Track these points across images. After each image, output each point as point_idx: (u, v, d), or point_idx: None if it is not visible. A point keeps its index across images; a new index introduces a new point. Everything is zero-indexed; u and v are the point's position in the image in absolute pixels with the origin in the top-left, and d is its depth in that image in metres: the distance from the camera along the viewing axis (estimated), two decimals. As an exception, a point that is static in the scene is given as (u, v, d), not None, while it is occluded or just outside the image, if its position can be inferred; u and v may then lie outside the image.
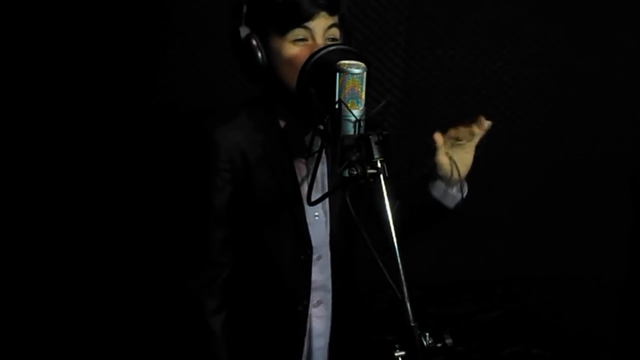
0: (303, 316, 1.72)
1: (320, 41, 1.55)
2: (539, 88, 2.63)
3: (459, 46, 2.57)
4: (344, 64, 1.40)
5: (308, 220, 1.68)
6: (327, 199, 1.69)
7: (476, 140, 1.63)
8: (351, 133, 1.38)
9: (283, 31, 1.55)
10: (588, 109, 2.67)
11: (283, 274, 1.69)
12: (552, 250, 2.73)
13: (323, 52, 1.48)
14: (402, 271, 1.31)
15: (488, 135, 2.63)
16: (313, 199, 1.45)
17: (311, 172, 1.60)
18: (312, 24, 1.55)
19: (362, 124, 1.39)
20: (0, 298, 2.45)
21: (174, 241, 1.79)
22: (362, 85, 1.40)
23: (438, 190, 1.68)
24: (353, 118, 1.38)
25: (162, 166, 2.39)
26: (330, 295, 1.76)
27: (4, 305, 2.46)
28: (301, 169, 1.67)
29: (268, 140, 1.64)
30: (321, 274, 1.73)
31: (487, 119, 1.61)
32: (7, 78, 2.36)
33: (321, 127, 1.43)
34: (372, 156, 1.34)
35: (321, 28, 1.55)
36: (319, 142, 1.45)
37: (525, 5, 2.56)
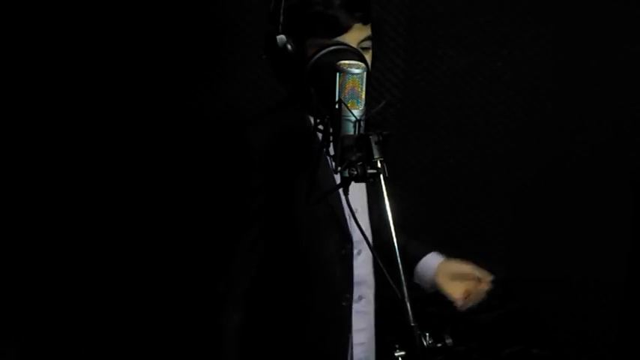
0: (347, 312, 1.72)
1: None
2: (539, 88, 2.63)
3: (459, 46, 2.57)
4: (344, 64, 1.40)
5: (348, 214, 1.68)
6: (365, 194, 1.70)
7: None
8: (351, 133, 1.38)
9: (320, 42, 1.55)
10: (588, 109, 2.66)
11: (325, 270, 1.69)
12: (552, 250, 2.73)
13: (323, 52, 1.48)
14: (402, 271, 1.31)
15: (489, 135, 2.65)
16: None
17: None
18: (346, 36, 1.56)
19: (362, 124, 1.39)
20: (3, 298, 2.46)
21: (203, 244, 1.79)
22: (362, 85, 1.40)
23: (421, 280, 1.77)
24: (353, 118, 1.38)
25: (192, 169, 2.40)
26: (371, 291, 1.77)
27: (8, 305, 2.47)
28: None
29: (299, 140, 1.66)
30: (362, 268, 1.73)
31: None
32: (15, 79, 2.36)
33: (321, 127, 1.43)
34: (372, 156, 1.34)
35: (355, 40, 1.57)
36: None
37: (525, 5, 2.56)
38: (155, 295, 2.50)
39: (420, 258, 1.81)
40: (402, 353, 1.29)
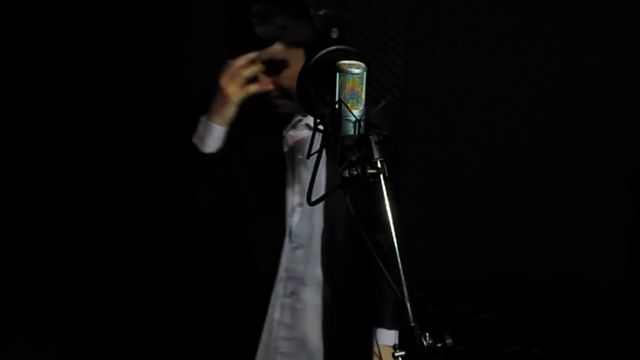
0: (261, 300, 1.73)
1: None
2: (539, 88, 2.63)
3: (459, 46, 2.57)
4: (344, 64, 1.40)
5: (291, 208, 1.71)
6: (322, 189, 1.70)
7: None
8: (351, 133, 1.38)
9: None
10: (588, 109, 2.67)
11: (253, 255, 1.72)
12: (552, 250, 2.73)
13: (323, 52, 1.48)
14: (402, 271, 1.31)
15: (489, 135, 2.64)
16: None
17: (295, 160, 1.69)
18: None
19: (362, 124, 1.39)
20: (4, 297, 2.46)
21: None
22: (362, 85, 1.40)
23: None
24: (353, 118, 1.38)
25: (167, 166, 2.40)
26: (307, 289, 1.75)
27: (5, 305, 2.47)
28: (286, 156, 1.71)
29: (258, 127, 1.69)
30: (299, 264, 1.74)
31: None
32: (10, 80, 2.36)
33: (321, 127, 1.43)
34: (372, 156, 1.34)
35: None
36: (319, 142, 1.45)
37: (525, 5, 2.56)
38: (153, 293, 2.49)
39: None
40: (402, 353, 1.29)
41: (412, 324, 1.28)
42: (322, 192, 1.64)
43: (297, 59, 1.57)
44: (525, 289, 2.72)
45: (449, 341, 1.29)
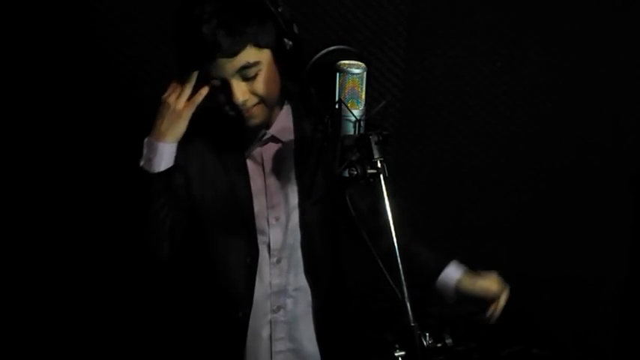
0: (242, 324, 1.70)
1: (234, 86, 1.52)
2: (539, 88, 2.63)
3: (459, 46, 2.57)
4: (344, 64, 1.40)
5: (267, 221, 1.68)
6: (297, 193, 1.69)
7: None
8: (351, 133, 1.38)
9: (201, 76, 1.53)
10: (588, 110, 2.67)
11: (227, 278, 1.69)
12: (552, 250, 2.73)
13: (323, 52, 1.48)
14: (402, 271, 1.31)
15: (489, 135, 2.64)
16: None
17: (268, 178, 1.66)
18: (215, 72, 1.51)
19: (362, 124, 1.39)
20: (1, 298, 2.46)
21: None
22: (362, 85, 1.40)
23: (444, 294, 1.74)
24: (353, 118, 1.38)
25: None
26: (292, 301, 1.73)
27: (4, 305, 2.47)
28: (256, 175, 1.68)
29: (223, 146, 1.66)
30: (280, 278, 1.71)
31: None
32: (10, 80, 2.36)
33: (321, 127, 1.43)
34: (372, 156, 1.34)
35: (228, 74, 1.51)
36: (319, 142, 1.45)
37: (525, 6, 2.56)
38: (132, 292, 2.49)
39: (437, 270, 1.76)
40: (402, 353, 1.29)
41: (412, 324, 1.28)
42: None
43: (267, 61, 1.53)
44: (525, 289, 2.72)
45: (449, 341, 1.29)
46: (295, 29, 1.55)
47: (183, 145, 1.59)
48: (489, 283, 1.69)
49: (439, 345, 1.29)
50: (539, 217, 2.72)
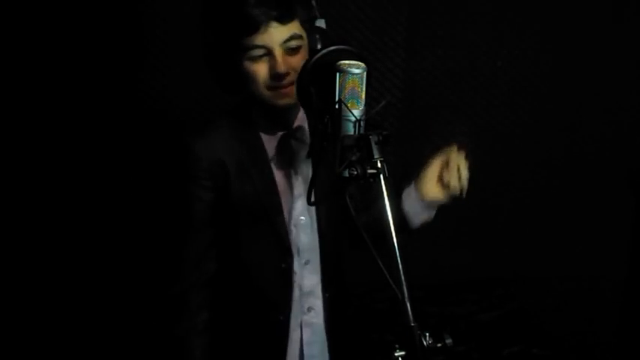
0: (284, 326, 1.71)
1: (278, 56, 1.54)
2: (539, 88, 2.63)
3: (459, 46, 2.57)
4: (344, 64, 1.39)
5: (293, 224, 1.68)
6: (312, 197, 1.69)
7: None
8: (351, 133, 1.38)
9: (242, 49, 1.55)
10: (588, 110, 2.67)
11: (263, 283, 1.69)
12: (552, 250, 2.73)
13: (323, 52, 1.48)
14: (402, 271, 1.31)
15: (489, 135, 2.64)
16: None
17: (293, 179, 1.66)
18: (265, 36, 1.53)
19: (362, 124, 1.38)
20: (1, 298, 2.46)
21: (159, 248, 1.80)
22: (362, 85, 1.40)
23: (411, 205, 1.68)
24: (353, 118, 1.38)
25: (154, 170, 2.40)
26: (320, 302, 1.73)
27: (4, 305, 2.47)
28: (281, 176, 1.68)
29: (247, 149, 1.66)
30: (310, 279, 1.72)
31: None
32: (11, 80, 2.36)
33: (321, 127, 1.43)
34: (372, 156, 1.34)
35: (276, 42, 1.54)
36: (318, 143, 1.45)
37: (525, 5, 2.56)
38: (129, 294, 2.49)
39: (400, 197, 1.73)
40: (402, 353, 1.29)
41: (412, 324, 1.28)
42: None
43: (305, 42, 1.57)
44: (525, 289, 2.72)
45: (449, 341, 1.29)
46: (322, 23, 1.57)
47: (211, 153, 1.62)
48: (437, 163, 1.64)
49: (439, 345, 1.29)
50: (539, 217, 2.72)
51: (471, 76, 2.60)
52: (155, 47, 2.39)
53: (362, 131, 1.38)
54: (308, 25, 1.57)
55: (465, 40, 2.57)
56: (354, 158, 1.35)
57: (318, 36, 1.54)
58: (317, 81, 1.45)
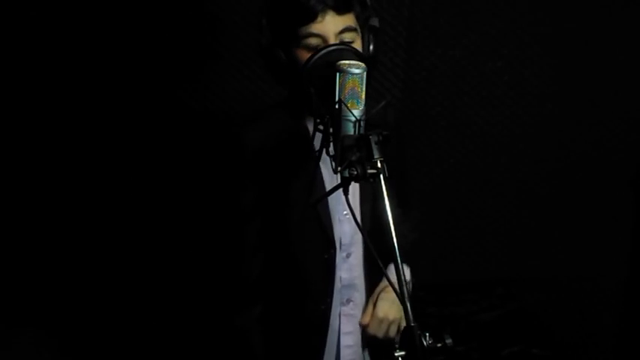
0: (325, 315, 1.73)
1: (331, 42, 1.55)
2: (539, 88, 2.63)
3: (459, 46, 2.57)
4: (344, 64, 1.40)
5: (338, 218, 1.70)
6: (358, 196, 1.70)
7: None
8: (351, 133, 1.38)
9: (296, 38, 1.55)
10: (588, 109, 2.66)
11: (306, 273, 1.72)
12: (552, 250, 2.73)
13: (323, 52, 1.48)
14: (402, 271, 1.31)
15: (489, 135, 2.65)
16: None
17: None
18: (320, 26, 1.54)
19: (362, 124, 1.39)
20: (5, 298, 2.46)
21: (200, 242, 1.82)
22: (362, 85, 1.40)
23: None
24: (353, 118, 1.38)
25: (190, 168, 2.41)
26: (360, 294, 1.76)
27: (6, 305, 2.47)
28: (327, 170, 1.67)
29: (294, 142, 1.67)
30: (350, 272, 1.74)
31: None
32: (12, 81, 2.36)
33: (321, 127, 1.43)
34: (372, 156, 1.34)
35: (332, 31, 1.55)
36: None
37: (525, 5, 2.56)
38: (154, 295, 2.50)
39: None
40: (402, 353, 1.29)
41: (412, 324, 1.28)
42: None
43: (359, 35, 1.59)
44: (525, 289, 2.72)
45: (449, 341, 1.29)
46: (376, 22, 1.62)
47: (259, 144, 1.64)
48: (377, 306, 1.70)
49: (439, 345, 1.29)
50: (539, 217, 2.71)
51: (471, 76, 2.59)
52: (204, 40, 2.39)
53: (362, 131, 1.39)
54: (362, 21, 1.60)
55: (465, 40, 2.56)
56: (354, 158, 1.35)
57: (371, 35, 1.59)
58: (317, 81, 1.45)
